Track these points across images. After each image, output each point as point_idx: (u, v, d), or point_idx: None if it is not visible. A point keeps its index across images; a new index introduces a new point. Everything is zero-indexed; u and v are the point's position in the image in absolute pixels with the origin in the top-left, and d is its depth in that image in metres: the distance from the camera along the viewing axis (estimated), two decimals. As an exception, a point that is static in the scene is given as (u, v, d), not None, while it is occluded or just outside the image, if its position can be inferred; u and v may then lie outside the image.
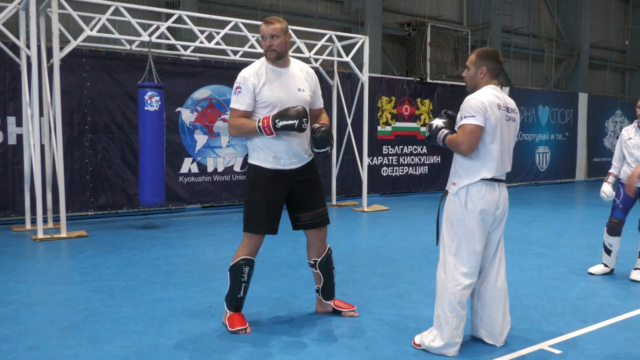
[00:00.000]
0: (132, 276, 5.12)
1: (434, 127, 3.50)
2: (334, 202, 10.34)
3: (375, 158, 11.69)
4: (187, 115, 9.22)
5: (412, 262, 5.81)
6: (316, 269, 3.96)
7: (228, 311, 3.74)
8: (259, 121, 3.54)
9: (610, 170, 5.42)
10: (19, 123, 7.78)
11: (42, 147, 7.42)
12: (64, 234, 6.92)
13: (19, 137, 7.77)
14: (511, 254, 6.19)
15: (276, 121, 3.50)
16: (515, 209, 10.20)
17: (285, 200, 3.77)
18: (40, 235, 6.78)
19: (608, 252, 5.28)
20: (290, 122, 3.48)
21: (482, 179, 3.28)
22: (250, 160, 3.71)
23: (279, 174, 3.65)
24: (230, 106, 3.65)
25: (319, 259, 3.93)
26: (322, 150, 3.71)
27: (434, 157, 12.71)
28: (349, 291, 4.67)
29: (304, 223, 3.82)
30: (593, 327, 3.86)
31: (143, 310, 4.12)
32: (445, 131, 3.42)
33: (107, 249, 6.32)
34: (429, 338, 3.38)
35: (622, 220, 5.22)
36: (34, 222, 7.33)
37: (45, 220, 7.25)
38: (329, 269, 3.98)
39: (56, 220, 7.35)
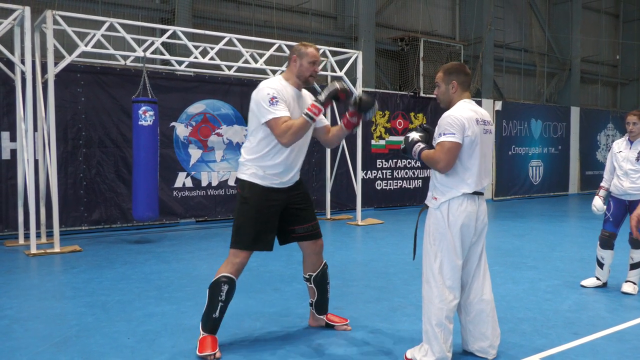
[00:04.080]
0: (126, 291, 5.11)
1: (410, 139, 3.50)
2: (328, 216, 10.35)
3: (369, 172, 11.74)
4: (181, 130, 9.25)
5: (405, 275, 5.82)
6: (311, 284, 3.95)
7: (202, 332, 3.58)
8: (304, 114, 3.50)
9: (601, 184, 5.46)
10: (13, 138, 7.79)
11: (36, 162, 7.43)
12: (57, 249, 6.90)
13: (13, 152, 7.78)
14: (504, 267, 6.22)
15: (318, 98, 3.52)
16: (509, 222, 10.24)
17: (280, 214, 3.73)
18: (33, 250, 6.76)
19: (600, 265, 5.30)
20: (331, 90, 3.51)
21: (463, 194, 3.30)
22: (245, 177, 3.63)
23: (274, 192, 3.63)
24: (272, 117, 3.45)
25: (315, 274, 3.92)
26: (370, 114, 3.65)
27: (428, 170, 12.75)
28: (343, 305, 4.67)
29: (299, 235, 3.80)
30: (585, 340, 3.88)
31: (136, 325, 4.11)
32: (422, 145, 3.43)
33: (100, 264, 6.30)
34: (420, 353, 3.38)
35: (613, 234, 5.26)
36: (27, 237, 7.31)
37: (38, 235, 7.23)
38: (324, 284, 3.97)
39: (49, 235, 7.33)
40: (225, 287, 3.53)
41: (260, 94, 3.53)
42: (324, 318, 4.06)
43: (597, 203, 5.32)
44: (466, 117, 3.26)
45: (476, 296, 3.46)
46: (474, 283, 3.47)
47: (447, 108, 3.42)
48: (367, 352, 3.61)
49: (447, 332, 3.32)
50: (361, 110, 3.63)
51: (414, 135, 3.50)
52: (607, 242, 5.25)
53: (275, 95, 3.49)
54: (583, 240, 8.23)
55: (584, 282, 5.39)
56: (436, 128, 3.36)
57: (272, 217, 3.65)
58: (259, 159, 3.60)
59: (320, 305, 4.02)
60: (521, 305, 4.70)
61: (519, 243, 7.89)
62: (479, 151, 3.30)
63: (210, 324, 3.56)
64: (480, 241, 3.45)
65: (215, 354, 3.47)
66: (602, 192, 5.41)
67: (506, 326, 4.11)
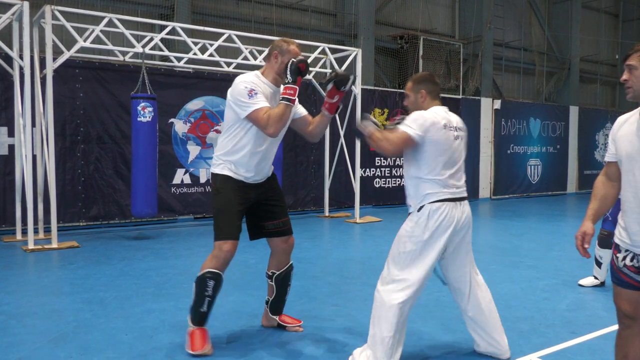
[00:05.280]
0: (123, 287, 5.11)
1: (367, 117, 3.41)
2: (327, 214, 10.35)
3: (367, 169, 11.73)
4: (180, 126, 9.24)
5: (403, 273, 5.81)
6: (272, 282, 3.87)
7: (191, 324, 3.58)
8: (281, 99, 3.43)
9: (600, 184, 5.46)
10: (11, 133, 7.77)
11: (34, 157, 7.40)
12: (54, 245, 6.89)
13: (11, 148, 7.75)
14: (502, 266, 6.22)
15: (286, 80, 3.46)
16: (507, 221, 10.25)
17: (251, 209, 3.70)
18: (31, 246, 6.75)
19: (599, 264, 5.31)
20: (291, 67, 3.43)
21: (438, 200, 3.25)
22: (218, 171, 3.60)
23: (246, 186, 3.60)
24: (254, 109, 3.40)
25: (278, 272, 3.85)
26: (348, 85, 3.57)
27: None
28: (341, 302, 4.67)
29: (270, 231, 3.75)
30: (582, 339, 3.88)
31: (134, 322, 4.11)
32: (374, 127, 3.32)
33: (98, 260, 6.29)
34: (361, 357, 3.26)
35: (612, 233, 5.22)
36: (24, 232, 7.28)
37: (36, 231, 7.22)
38: (285, 285, 3.90)
39: (47, 230, 7.32)
40: (211, 283, 3.48)
41: (237, 89, 3.47)
42: (277, 319, 3.98)
43: (596, 203, 5.32)
44: (431, 119, 3.24)
45: (478, 301, 3.44)
46: (472, 289, 3.44)
47: None
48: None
49: (394, 340, 3.19)
50: (340, 85, 3.55)
51: (372, 118, 3.43)
52: (605, 241, 5.25)
53: (253, 88, 3.45)
54: (581, 239, 8.22)
55: (582, 282, 5.40)
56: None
57: (242, 207, 3.61)
58: (231, 154, 3.56)
59: (276, 305, 3.94)
60: (519, 304, 4.71)
61: (517, 242, 7.90)
62: (450, 156, 3.29)
63: (199, 318, 3.55)
64: (465, 246, 3.41)
65: (205, 351, 3.46)
66: (600, 192, 5.40)
67: (504, 325, 4.07)
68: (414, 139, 3.22)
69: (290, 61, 3.46)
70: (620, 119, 2.63)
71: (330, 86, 3.57)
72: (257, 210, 3.71)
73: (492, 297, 3.54)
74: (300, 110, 3.81)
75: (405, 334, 3.30)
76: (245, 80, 3.49)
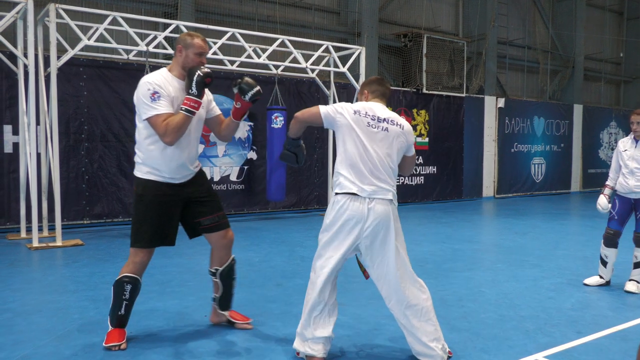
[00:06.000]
0: (128, 285, 5.10)
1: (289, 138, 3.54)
2: (330, 212, 10.32)
3: (371, 168, 11.68)
4: (183, 125, 9.22)
5: (408, 272, 5.80)
6: (216, 278, 3.87)
7: (110, 326, 3.61)
8: (181, 109, 3.36)
9: (606, 182, 5.45)
10: (15, 131, 7.78)
11: (38, 155, 7.41)
12: (59, 243, 6.90)
13: (15, 146, 7.77)
14: (507, 265, 6.21)
15: (190, 90, 3.38)
16: (511, 219, 10.23)
17: (184, 209, 3.66)
18: (35, 243, 6.76)
19: (604, 263, 5.29)
20: (195, 79, 3.36)
21: (345, 193, 3.22)
22: (140, 175, 3.53)
23: (169, 187, 3.53)
24: (154, 114, 3.33)
25: (222, 268, 3.85)
26: (250, 95, 3.51)
27: (430, 167, 12.74)
28: (346, 301, 4.66)
29: (206, 227, 3.72)
30: (588, 338, 3.87)
31: (138, 320, 4.10)
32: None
33: (102, 258, 6.30)
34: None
35: (618, 232, 5.24)
36: (29, 230, 7.31)
37: (40, 229, 7.23)
38: (230, 280, 3.90)
39: (51, 228, 7.33)
40: (128, 287, 3.55)
41: (141, 90, 3.38)
42: (227, 314, 3.97)
43: (602, 201, 5.31)
44: (349, 105, 3.31)
45: (401, 305, 3.35)
46: (394, 294, 3.34)
47: None
48: (371, 347, 3.62)
49: (313, 302, 3.44)
50: (242, 93, 3.52)
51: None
52: (611, 241, 5.24)
53: (157, 90, 3.36)
54: (585, 238, 8.21)
55: (587, 281, 5.38)
56: None
57: (169, 212, 3.58)
58: (147, 156, 3.50)
59: (224, 301, 3.94)
60: (524, 303, 4.69)
61: (521, 241, 7.88)
62: (356, 145, 3.22)
63: (117, 320, 3.59)
64: (381, 247, 3.32)
65: (121, 344, 3.51)
66: (607, 191, 5.39)
67: (509, 324, 4.10)
68: (322, 116, 3.28)
69: (197, 73, 3.38)
70: None
71: (235, 91, 3.56)
72: (189, 209, 3.67)
73: (423, 303, 3.41)
74: (214, 110, 3.79)
75: (324, 298, 3.47)
76: (149, 81, 3.38)
